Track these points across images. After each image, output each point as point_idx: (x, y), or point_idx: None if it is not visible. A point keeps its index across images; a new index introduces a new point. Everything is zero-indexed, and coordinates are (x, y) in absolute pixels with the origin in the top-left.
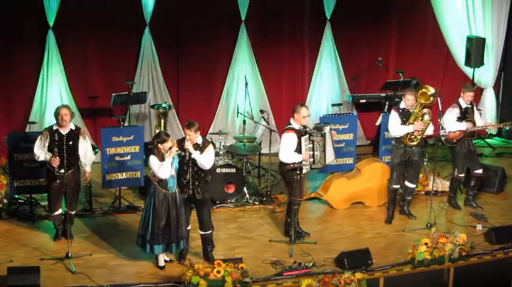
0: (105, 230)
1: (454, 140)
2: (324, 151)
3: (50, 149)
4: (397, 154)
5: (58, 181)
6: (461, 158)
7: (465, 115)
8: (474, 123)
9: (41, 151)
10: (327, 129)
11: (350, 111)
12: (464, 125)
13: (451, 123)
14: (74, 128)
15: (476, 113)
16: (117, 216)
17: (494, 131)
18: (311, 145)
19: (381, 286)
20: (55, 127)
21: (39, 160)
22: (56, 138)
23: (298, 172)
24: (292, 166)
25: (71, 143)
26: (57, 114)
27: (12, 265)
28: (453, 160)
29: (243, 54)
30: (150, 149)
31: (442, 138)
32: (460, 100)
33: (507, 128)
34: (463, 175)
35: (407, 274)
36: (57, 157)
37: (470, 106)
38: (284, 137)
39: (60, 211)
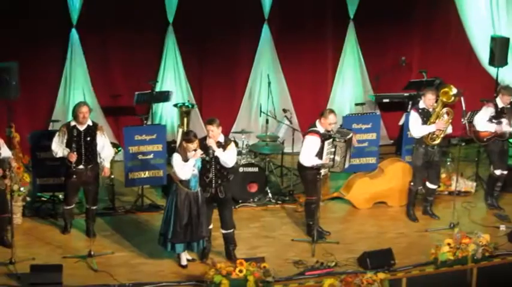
0: (127, 228)
1: (485, 139)
2: (344, 157)
3: (69, 145)
4: (419, 156)
5: (75, 177)
6: (495, 155)
7: (501, 115)
8: (509, 124)
9: (58, 147)
10: (350, 135)
11: (373, 111)
12: (493, 127)
13: (482, 121)
14: (91, 124)
15: None
16: (139, 214)
17: None
18: (333, 149)
19: None
20: (72, 123)
21: (57, 156)
22: (75, 134)
23: (320, 172)
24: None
25: (88, 139)
26: (77, 112)
27: (35, 263)
28: (488, 157)
29: (266, 53)
30: (173, 148)
31: (473, 135)
32: (498, 100)
33: None
34: (500, 172)
35: (430, 275)
36: (75, 153)
37: (509, 106)
38: (307, 140)
39: (73, 206)
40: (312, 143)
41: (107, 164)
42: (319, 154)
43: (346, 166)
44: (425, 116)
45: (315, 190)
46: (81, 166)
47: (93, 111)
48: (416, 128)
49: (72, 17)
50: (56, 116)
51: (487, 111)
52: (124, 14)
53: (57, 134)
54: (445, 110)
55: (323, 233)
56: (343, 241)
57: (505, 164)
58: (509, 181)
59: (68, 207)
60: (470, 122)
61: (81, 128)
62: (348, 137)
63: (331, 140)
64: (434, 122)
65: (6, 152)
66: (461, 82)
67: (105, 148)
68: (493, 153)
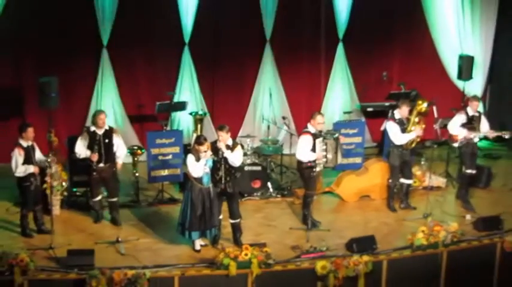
0: (150, 218)
1: (458, 142)
2: (336, 153)
3: (90, 147)
4: (395, 157)
5: (96, 173)
6: (467, 157)
7: (471, 121)
8: (478, 130)
9: (82, 150)
10: (337, 134)
11: (359, 118)
12: (464, 132)
13: (454, 126)
14: (107, 127)
15: (483, 121)
16: (160, 207)
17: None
18: (324, 147)
19: (384, 267)
20: (92, 128)
21: (81, 157)
22: (97, 138)
23: (313, 169)
24: (308, 164)
25: (106, 140)
26: (97, 118)
27: (71, 248)
28: (460, 158)
29: (268, 68)
30: (189, 150)
31: (448, 139)
32: (468, 109)
33: (506, 137)
34: (470, 171)
35: (407, 257)
36: (97, 153)
37: (477, 114)
38: (301, 139)
39: (100, 197)
40: (304, 141)
41: (120, 161)
42: (313, 150)
43: (339, 162)
44: (402, 125)
45: (312, 185)
46: (101, 164)
47: (120, 118)
48: (398, 136)
49: (103, 39)
50: (89, 123)
51: (460, 118)
52: (147, 36)
53: (79, 138)
54: (417, 119)
55: (315, 222)
56: (334, 229)
57: (475, 164)
58: (477, 178)
59: (96, 199)
60: (442, 128)
61: (100, 132)
62: (336, 135)
63: (321, 138)
64: (411, 130)
65: (39, 155)
66: (434, 94)
67: (119, 147)
68: (465, 155)
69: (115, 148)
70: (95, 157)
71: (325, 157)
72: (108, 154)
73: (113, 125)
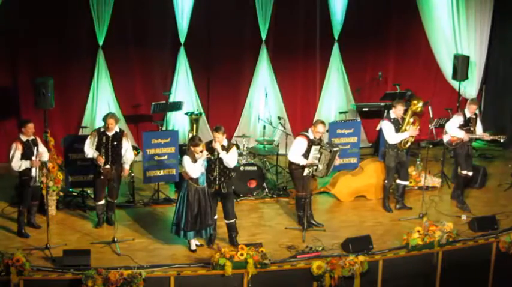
0: (145, 218)
1: (454, 143)
2: (327, 164)
3: (98, 148)
4: (391, 158)
5: (102, 176)
6: (462, 158)
7: (468, 123)
8: (474, 132)
9: (90, 149)
10: (336, 148)
11: (354, 118)
12: (463, 134)
13: (453, 128)
14: (118, 130)
15: (478, 123)
16: (155, 207)
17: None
18: (319, 155)
19: (380, 267)
20: (102, 129)
21: (88, 157)
22: (104, 140)
23: (306, 171)
24: (298, 165)
25: (115, 143)
26: (105, 121)
27: (67, 248)
28: (456, 159)
29: (264, 69)
30: (184, 150)
31: (445, 141)
32: (466, 110)
33: (501, 140)
34: (466, 172)
35: (402, 257)
36: (103, 156)
37: (474, 117)
38: (296, 140)
39: (103, 201)
40: (299, 143)
41: (126, 166)
42: (305, 156)
43: (329, 173)
44: (397, 125)
45: (303, 186)
46: (107, 165)
47: None
48: (392, 136)
49: (98, 39)
50: (85, 123)
51: (457, 119)
52: (142, 37)
53: (88, 137)
54: (412, 119)
55: (317, 225)
56: (329, 229)
57: (471, 165)
58: (473, 178)
59: (99, 203)
60: (437, 128)
61: (109, 133)
62: (334, 149)
63: (318, 147)
64: (406, 130)
65: (42, 148)
66: (429, 94)
67: (127, 151)
68: (460, 156)
69: (123, 151)
70: (102, 160)
71: (316, 165)
72: (115, 155)
73: None
